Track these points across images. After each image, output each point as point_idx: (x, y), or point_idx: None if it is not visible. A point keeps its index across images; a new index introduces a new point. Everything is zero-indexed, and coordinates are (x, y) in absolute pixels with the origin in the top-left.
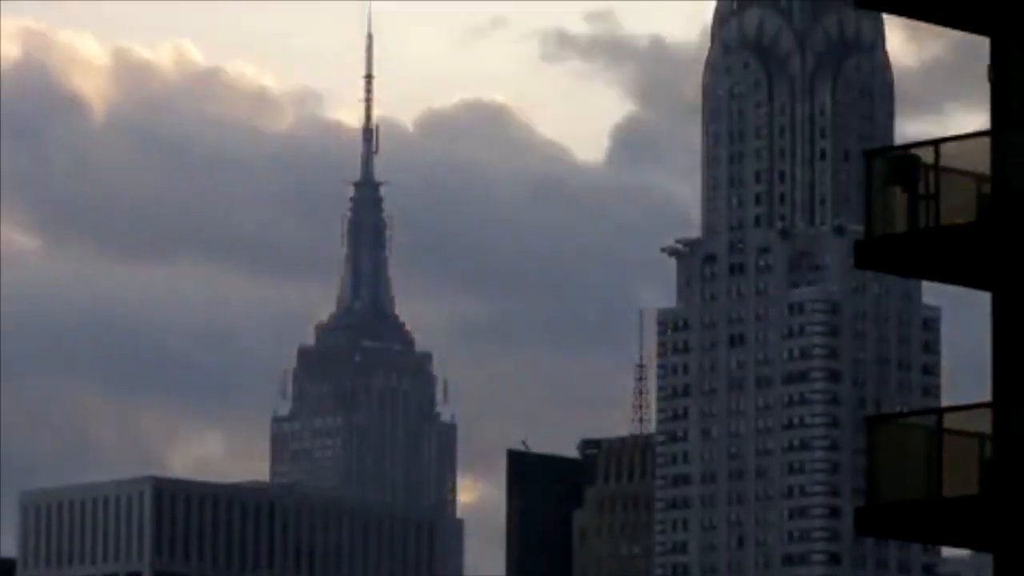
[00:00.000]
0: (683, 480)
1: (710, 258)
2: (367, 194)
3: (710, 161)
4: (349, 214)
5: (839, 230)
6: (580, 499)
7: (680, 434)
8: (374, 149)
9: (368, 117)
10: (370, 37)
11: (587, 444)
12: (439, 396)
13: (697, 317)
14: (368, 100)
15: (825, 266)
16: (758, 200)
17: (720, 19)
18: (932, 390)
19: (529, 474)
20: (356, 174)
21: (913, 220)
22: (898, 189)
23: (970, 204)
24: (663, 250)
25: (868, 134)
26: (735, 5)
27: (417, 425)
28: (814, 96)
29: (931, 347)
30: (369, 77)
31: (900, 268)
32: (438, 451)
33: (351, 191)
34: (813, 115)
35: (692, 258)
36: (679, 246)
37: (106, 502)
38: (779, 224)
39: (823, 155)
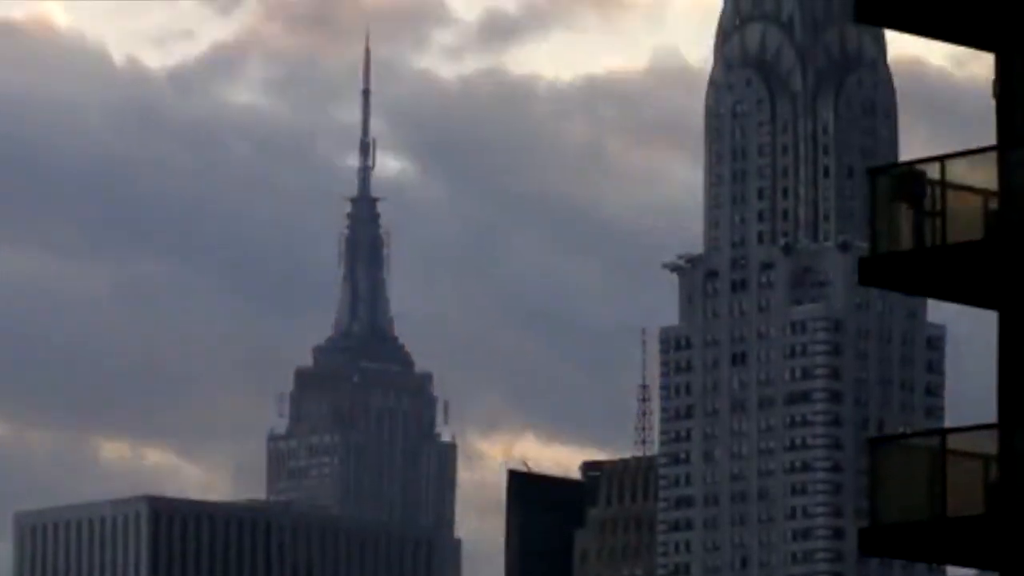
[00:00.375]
0: (685, 502)
1: (712, 274)
2: (364, 211)
3: (713, 179)
4: (346, 232)
5: (844, 247)
6: (581, 520)
7: (683, 456)
8: (370, 163)
9: (365, 130)
10: None
11: (589, 466)
12: (439, 417)
13: (700, 336)
14: (366, 111)
15: (829, 282)
16: (761, 217)
17: (723, 35)
18: (935, 411)
19: (530, 495)
20: None
21: (919, 237)
22: (904, 206)
23: (977, 221)
24: (665, 266)
25: (871, 150)
26: (737, 20)
27: (416, 445)
28: (816, 113)
29: (935, 367)
30: (367, 92)
31: (905, 286)
32: (437, 470)
33: (347, 207)
34: (816, 133)
35: (694, 273)
36: (681, 262)
37: (103, 522)
38: (782, 240)
39: (826, 172)
